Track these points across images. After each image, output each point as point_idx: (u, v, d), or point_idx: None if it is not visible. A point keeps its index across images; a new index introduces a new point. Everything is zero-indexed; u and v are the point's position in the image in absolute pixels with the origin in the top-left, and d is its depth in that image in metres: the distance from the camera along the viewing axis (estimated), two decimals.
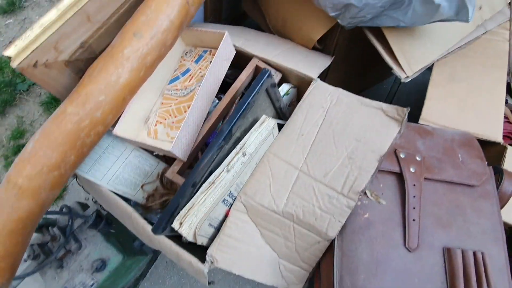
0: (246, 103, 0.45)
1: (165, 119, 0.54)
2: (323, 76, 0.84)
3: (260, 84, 0.45)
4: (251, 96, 0.45)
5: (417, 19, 0.52)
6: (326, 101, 0.52)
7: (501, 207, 0.49)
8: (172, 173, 0.50)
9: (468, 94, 0.59)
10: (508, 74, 0.71)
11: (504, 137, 0.66)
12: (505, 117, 0.68)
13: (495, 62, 0.61)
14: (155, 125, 0.54)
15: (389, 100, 0.98)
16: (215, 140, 0.44)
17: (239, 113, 0.44)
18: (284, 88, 0.59)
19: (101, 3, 0.45)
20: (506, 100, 0.72)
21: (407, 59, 0.60)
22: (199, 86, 0.51)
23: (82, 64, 0.49)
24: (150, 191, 0.56)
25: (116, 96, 0.45)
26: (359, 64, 0.87)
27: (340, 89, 0.54)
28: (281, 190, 0.48)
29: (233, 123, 0.44)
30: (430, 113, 0.59)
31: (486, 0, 0.61)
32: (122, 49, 0.45)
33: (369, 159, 0.45)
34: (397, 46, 0.59)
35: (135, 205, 0.56)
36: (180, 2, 0.48)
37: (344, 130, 0.49)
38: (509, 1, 0.64)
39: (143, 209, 0.56)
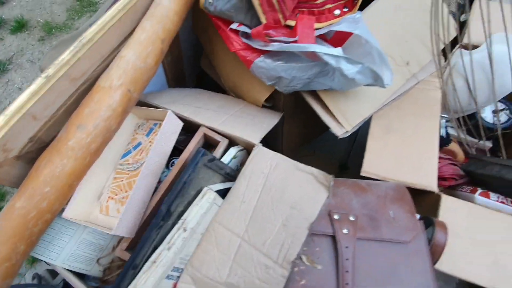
0: (183, 183, 0.48)
1: (116, 195, 0.57)
2: (281, 125, 0.88)
3: (195, 164, 0.49)
4: (187, 176, 0.48)
5: (343, 85, 0.57)
6: (266, 167, 0.56)
7: (437, 259, 0.51)
8: (120, 251, 0.52)
9: (403, 144, 0.63)
10: (446, 109, 0.76)
11: (449, 179, 0.69)
12: (449, 159, 0.72)
13: (427, 111, 0.66)
14: (107, 200, 0.57)
15: (353, 136, 1.01)
16: (154, 221, 0.47)
17: (175, 194, 0.47)
18: (231, 153, 0.63)
19: (46, 103, 0.49)
20: (450, 139, 0.76)
21: (344, 115, 0.64)
22: None
23: (33, 154, 0.53)
24: (106, 264, 0.58)
25: (61, 185, 0.48)
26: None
27: (278, 154, 0.57)
28: (225, 260, 0.50)
29: (170, 203, 0.47)
30: (370, 165, 0.62)
31: (413, 55, 0.66)
32: (67, 142, 0.49)
33: (301, 226, 0.48)
34: (333, 104, 0.64)
35: (92, 279, 0.58)
36: (121, 92, 0.53)
37: (281, 196, 0.52)
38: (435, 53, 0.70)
39: (101, 283, 0.58)
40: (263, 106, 0.74)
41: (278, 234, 0.49)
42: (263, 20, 0.57)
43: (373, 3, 0.64)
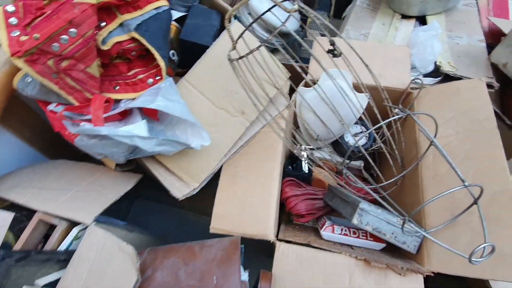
0: None
1: None
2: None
3: None
4: None
5: (164, 152, 0.58)
6: (93, 250, 0.54)
7: None
8: None
9: (247, 193, 0.63)
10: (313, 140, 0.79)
11: (306, 215, 0.71)
12: (308, 194, 0.74)
13: (269, 154, 0.67)
14: None
15: None
16: None
17: None
18: (72, 233, 0.60)
19: None
20: (310, 173, 0.79)
21: (189, 173, 0.65)
22: None
23: None
24: None
25: None
26: None
27: (108, 234, 0.56)
28: None
29: None
30: (217, 221, 0.62)
31: (246, 104, 0.68)
32: None
33: None
34: (174, 165, 0.64)
35: None
36: None
37: (100, 284, 0.50)
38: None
39: None
40: (125, 169, 0.73)
41: None
42: (72, 101, 0.56)
43: (194, 65, 0.66)
